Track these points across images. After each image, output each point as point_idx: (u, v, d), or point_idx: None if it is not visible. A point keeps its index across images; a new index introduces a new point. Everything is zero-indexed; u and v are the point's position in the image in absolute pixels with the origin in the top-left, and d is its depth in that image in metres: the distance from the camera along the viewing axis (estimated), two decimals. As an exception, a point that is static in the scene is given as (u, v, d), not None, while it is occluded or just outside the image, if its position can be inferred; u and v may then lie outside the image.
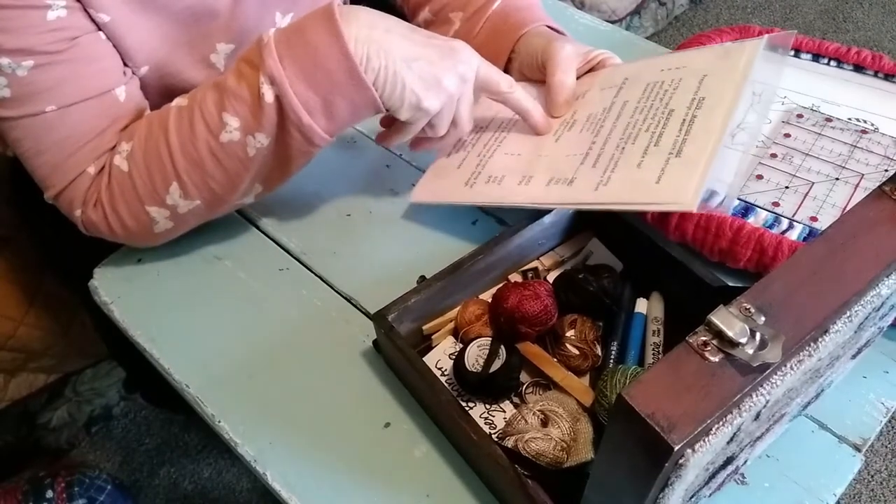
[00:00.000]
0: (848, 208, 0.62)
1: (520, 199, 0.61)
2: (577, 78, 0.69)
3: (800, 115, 0.70)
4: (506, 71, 0.78)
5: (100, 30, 0.60)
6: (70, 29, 0.57)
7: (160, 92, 0.68)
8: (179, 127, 0.58)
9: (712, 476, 0.40)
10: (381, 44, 0.56)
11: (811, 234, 0.59)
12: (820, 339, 0.35)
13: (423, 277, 0.59)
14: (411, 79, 0.56)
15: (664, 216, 0.62)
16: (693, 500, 0.41)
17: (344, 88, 0.56)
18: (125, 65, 0.63)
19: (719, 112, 0.56)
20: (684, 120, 0.58)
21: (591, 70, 0.71)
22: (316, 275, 0.65)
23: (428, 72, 0.57)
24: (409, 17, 0.87)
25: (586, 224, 0.63)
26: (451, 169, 0.68)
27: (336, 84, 0.55)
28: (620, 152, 0.59)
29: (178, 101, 0.61)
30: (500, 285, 0.58)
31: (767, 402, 0.33)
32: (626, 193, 0.55)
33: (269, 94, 0.55)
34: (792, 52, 0.64)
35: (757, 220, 0.60)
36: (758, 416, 0.35)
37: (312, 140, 0.58)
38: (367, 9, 0.58)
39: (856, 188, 0.63)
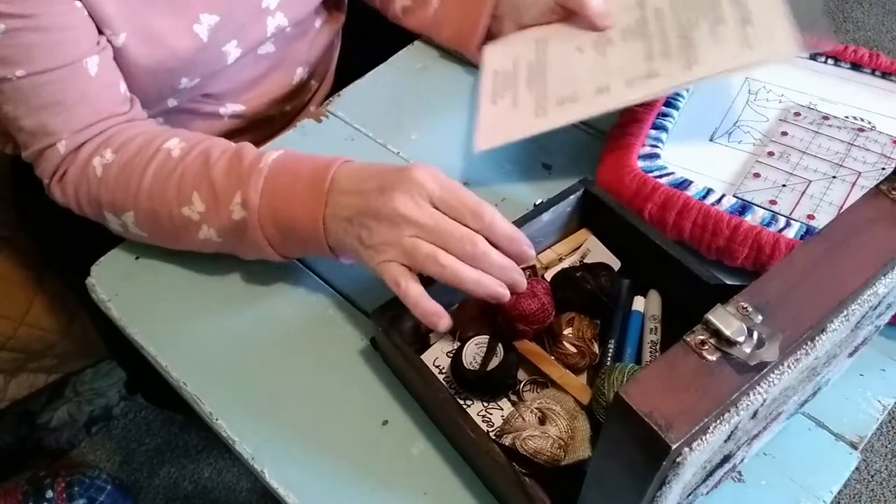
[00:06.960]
0: (845, 206, 0.62)
1: (608, 106, 0.62)
2: None
3: (797, 114, 0.70)
4: (496, 31, 0.77)
5: None
6: None
7: (148, 60, 0.67)
8: (157, 176, 0.60)
9: (709, 474, 0.40)
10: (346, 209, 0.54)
11: (808, 233, 0.59)
12: (817, 338, 0.35)
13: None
14: (350, 241, 0.54)
15: (662, 215, 0.62)
16: (690, 497, 0.41)
17: (308, 245, 0.58)
18: (101, 32, 0.63)
19: None
20: (732, 2, 0.63)
21: None
22: (314, 272, 0.65)
23: (368, 227, 0.52)
24: (384, 8, 0.85)
25: (583, 222, 0.63)
26: (507, 110, 0.68)
27: (301, 240, 0.57)
28: (688, 41, 0.62)
29: (175, 144, 0.61)
30: (499, 284, 0.58)
31: (765, 400, 0.33)
32: (723, 61, 0.59)
33: (237, 213, 0.57)
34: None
35: (754, 218, 0.60)
36: (755, 414, 0.35)
37: (262, 256, 0.60)
38: (355, 165, 0.56)
39: (853, 186, 0.63)
